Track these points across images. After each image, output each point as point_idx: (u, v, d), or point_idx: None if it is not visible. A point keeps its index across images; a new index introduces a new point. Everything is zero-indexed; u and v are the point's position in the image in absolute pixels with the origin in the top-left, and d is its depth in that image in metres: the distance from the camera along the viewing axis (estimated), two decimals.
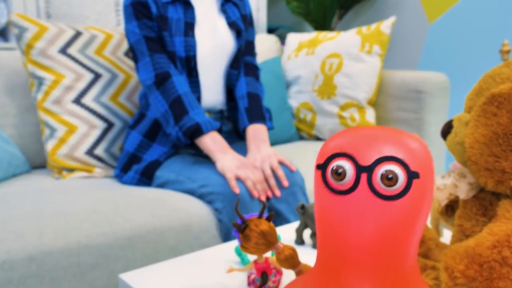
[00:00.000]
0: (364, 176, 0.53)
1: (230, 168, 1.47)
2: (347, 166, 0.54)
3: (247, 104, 1.72)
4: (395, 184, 0.52)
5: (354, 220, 0.54)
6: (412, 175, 0.52)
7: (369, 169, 0.53)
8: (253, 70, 1.83)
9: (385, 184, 0.52)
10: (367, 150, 0.54)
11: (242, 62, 1.81)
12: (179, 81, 1.59)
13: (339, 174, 0.54)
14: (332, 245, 0.57)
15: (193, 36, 1.65)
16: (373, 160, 0.53)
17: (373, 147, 0.54)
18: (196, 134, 1.53)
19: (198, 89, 1.67)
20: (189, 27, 1.66)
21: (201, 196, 1.49)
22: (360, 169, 0.54)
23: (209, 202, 1.48)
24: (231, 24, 1.78)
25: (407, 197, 0.52)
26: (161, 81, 1.58)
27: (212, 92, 1.72)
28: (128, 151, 1.69)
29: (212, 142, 1.53)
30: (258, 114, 1.71)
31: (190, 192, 1.51)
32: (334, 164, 0.55)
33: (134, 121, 1.73)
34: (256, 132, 1.66)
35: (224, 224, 1.44)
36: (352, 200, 0.54)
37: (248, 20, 1.88)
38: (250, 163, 1.51)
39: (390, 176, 0.52)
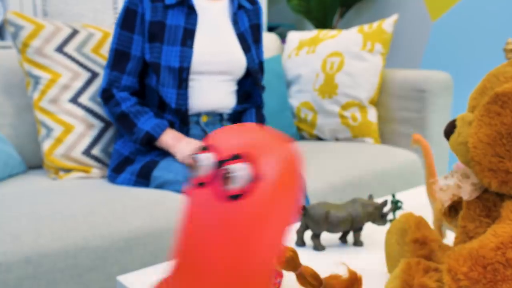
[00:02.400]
0: (217, 172, 0.54)
1: (188, 152, 1.57)
2: (206, 159, 0.55)
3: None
4: (233, 184, 0.51)
5: (199, 213, 0.55)
6: (253, 178, 0.51)
7: (220, 165, 0.54)
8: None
9: (226, 183, 0.52)
10: (225, 147, 0.55)
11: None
12: (122, 98, 1.65)
13: (196, 166, 0.56)
14: (183, 239, 0.57)
15: (191, 46, 1.64)
16: (224, 157, 0.53)
17: (230, 145, 0.55)
18: (151, 141, 1.63)
19: (185, 102, 1.65)
20: (188, 34, 1.65)
21: None
22: (216, 164, 0.54)
23: None
24: (239, 36, 1.79)
25: (246, 199, 0.51)
26: (107, 98, 1.66)
27: (208, 98, 1.71)
28: (122, 153, 1.68)
29: (167, 140, 1.62)
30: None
31: None
32: (199, 155, 0.56)
33: None
34: None
35: None
36: (202, 193, 0.55)
37: (259, 31, 1.88)
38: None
39: (229, 174, 0.52)
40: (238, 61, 1.76)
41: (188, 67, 1.63)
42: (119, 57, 1.65)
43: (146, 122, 1.62)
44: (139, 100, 1.69)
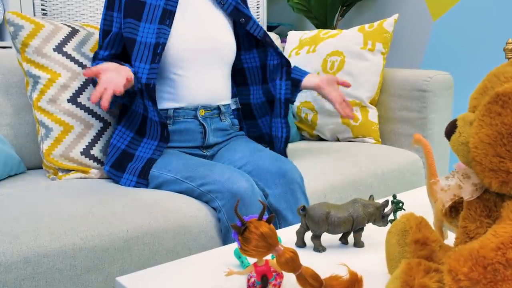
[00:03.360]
0: None
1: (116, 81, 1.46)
2: None
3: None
4: None
5: None
6: None
7: None
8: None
9: None
10: None
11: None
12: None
13: None
14: None
15: (169, 25, 1.65)
16: None
17: None
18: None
19: (155, 77, 1.63)
20: (168, 15, 1.66)
21: (200, 195, 1.48)
22: None
23: (207, 202, 1.47)
24: (233, 13, 1.78)
25: None
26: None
27: (202, 88, 1.71)
28: (119, 147, 1.68)
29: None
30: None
31: (189, 192, 1.50)
32: None
33: (118, 115, 1.77)
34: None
35: (224, 223, 1.43)
36: None
37: (246, 3, 1.89)
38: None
39: None
40: (225, 44, 1.76)
41: (164, 43, 1.63)
42: (104, 36, 1.70)
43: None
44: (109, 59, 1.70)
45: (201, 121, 1.70)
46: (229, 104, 1.81)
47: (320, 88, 1.79)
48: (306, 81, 1.81)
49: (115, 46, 1.69)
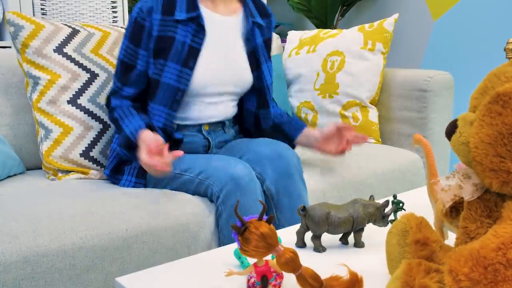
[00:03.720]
0: None
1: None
2: None
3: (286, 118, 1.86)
4: None
5: None
6: None
7: None
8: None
9: None
10: None
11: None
12: (116, 104, 1.62)
13: None
14: None
15: (192, 67, 1.59)
16: None
17: None
18: (131, 145, 1.51)
19: (173, 123, 1.62)
20: (193, 54, 1.59)
21: (198, 184, 1.49)
22: None
23: (206, 189, 1.48)
24: (250, 53, 1.74)
25: None
26: (107, 104, 1.66)
27: (210, 112, 1.68)
28: (119, 153, 1.67)
29: (139, 143, 1.48)
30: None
31: (188, 183, 1.51)
32: None
33: None
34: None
35: (219, 206, 1.44)
36: None
37: (270, 44, 1.83)
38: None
39: None
40: (244, 81, 1.73)
41: (184, 90, 1.59)
42: (124, 68, 1.62)
43: (129, 125, 1.55)
44: (134, 103, 1.64)
45: (206, 135, 1.69)
46: (231, 118, 1.79)
47: (320, 150, 1.75)
48: (303, 142, 1.80)
49: (140, 83, 1.63)
